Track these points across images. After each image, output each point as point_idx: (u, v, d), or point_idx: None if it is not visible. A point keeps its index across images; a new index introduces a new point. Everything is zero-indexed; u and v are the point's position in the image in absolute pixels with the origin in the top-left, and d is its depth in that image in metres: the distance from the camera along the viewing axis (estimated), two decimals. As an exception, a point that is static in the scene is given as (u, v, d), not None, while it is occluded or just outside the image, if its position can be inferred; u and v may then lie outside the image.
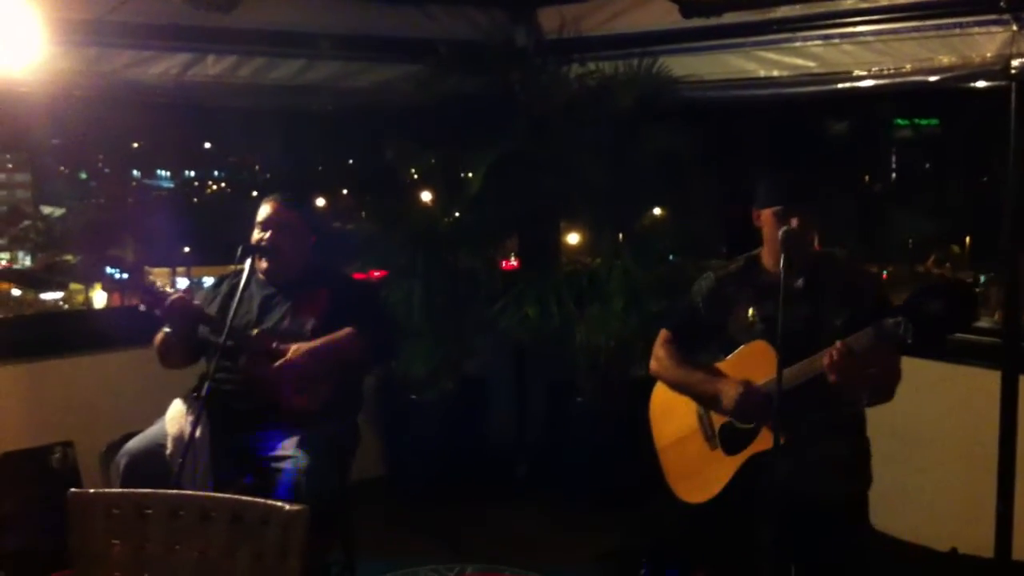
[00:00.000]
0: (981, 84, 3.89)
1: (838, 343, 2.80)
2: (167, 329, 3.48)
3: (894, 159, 5.98)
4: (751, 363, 3.10)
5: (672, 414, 3.36)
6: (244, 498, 2.12)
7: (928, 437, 4.22)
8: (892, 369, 2.97)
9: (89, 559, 2.13)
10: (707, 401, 3.21)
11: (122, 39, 4.32)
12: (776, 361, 2.82)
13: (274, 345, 3.42)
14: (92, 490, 2.21)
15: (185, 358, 3.60)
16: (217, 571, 2.08)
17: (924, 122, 5.72)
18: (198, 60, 4.54)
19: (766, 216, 3.14)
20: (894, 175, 6.08)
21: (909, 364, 2.98)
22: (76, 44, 4.19)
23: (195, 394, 3.33)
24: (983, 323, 4.19)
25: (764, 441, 3.04)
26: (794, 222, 3.04)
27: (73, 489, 2.17)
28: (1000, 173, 4.25)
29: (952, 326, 2.75)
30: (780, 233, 3.00)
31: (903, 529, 4.19)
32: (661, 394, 3.42)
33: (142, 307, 3.49)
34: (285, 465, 3.27)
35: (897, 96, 4.54)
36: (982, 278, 5.17)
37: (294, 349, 3.40)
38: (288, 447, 3.32)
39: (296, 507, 2.04)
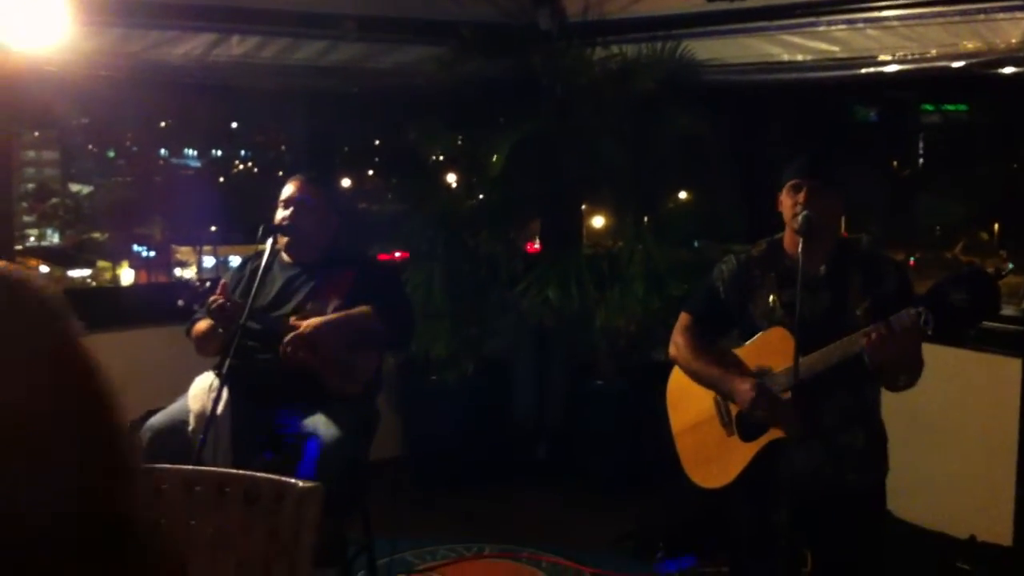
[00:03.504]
0: (1007, 70, 3.85)
1: (880, 323, 2.78)
2: (219, 328, 3.43)
3: (921, 144, 5.92)
4: (770, 350, 3.08)
5: (689, 399, 3.35)
6: (259, 474, 2.13)
7: (947, 424, 4.20)
8: (914, 357, 2.96)
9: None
10: (724, 396, 3.22)
11: (147, 19, 4.35)
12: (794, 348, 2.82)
13: (290, 320, 3.45)
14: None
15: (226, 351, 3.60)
16: (232, 546, 2.11)
17: (951, 107, 5.66)
18: (223, 40, 4.56)
19: (784, 195, 3.13)
20: (921, 161, 6.03)
21: (929, 351, 2.95)
22: (102, 24, 4.22)
23: (217, 371, 3.37)
24: (1006, 310, 4.16)
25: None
26: (801, 196, 3.02)
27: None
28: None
29: (974, 319, 2.73)
30: (800, 218, 2.98)
31: (922, 516, 4.18)
32: (678, 378, 3.41)
33: (180, 303, 3.52)
34: (308, 441, 3.30)
35: (922, 81, 4.50)
36: (1010, 265, 5.12)
37: (307, 324, 3.42)
38: (311, 423, 3.36)
39: (310, 484, 2.06)
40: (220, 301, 3.35)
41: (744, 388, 3.05)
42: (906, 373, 2.98)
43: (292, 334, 3.38)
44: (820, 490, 2.93)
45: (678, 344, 3.35)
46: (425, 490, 5.08)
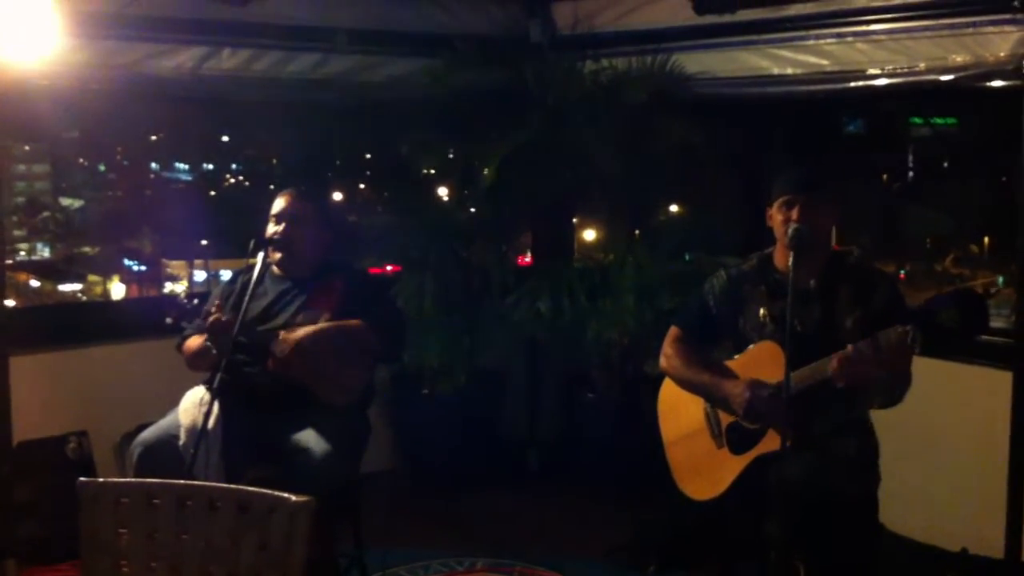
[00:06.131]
0: (995, 83, 3.86)
1: (849, 347, 2.79)
2: (213, 349, 3.40)
3: (911, 158, 5.95)
4: (760, 363, 3.10)
5: (680, 410, 3.36)
6: (251, 489, 2.13)
7: (939, 437, 4.20)
8: (902, 374, 2.96)
9: (97, 547, 2.15)
10: (717, 402, 3.22)
11: (138, 32, 4.35)
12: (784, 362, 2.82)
13: (280, 334, 3.43)
14: (101, 479, 2.23)
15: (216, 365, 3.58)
16: (224, 560, 2.10)
17: (941, 121, 5.69)
18: (214, 53, 4.56)
19: (775, 211, 3.14)
20: (911, 174, 6.05)
21: (920, 364, 2.95)
22: (93, 37, 4.22)
23: (208, 385, 3.36)
24: (997, 323, 4.16)
25: (771, 442, 3.03)
26: (794, 213, 3.04)
27: (82, 478, 2.19)
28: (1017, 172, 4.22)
29: (962, 337, 2.75)
30: (789, 231, 3.00)
31: (914, 528, 4.18)
32: (669, 390, 3.43)
33: (169, 320, 3.51)
34: (300, 455, 3.30)
35: (911, 95, 4.52)
36: (1000, 279, 5.14)
37: (296, 334, 3.40)
38: (302, 438, 3.35)
39: (302, 498, 2.06)
40: (217, 316, 3.34)
41: (737, 389, 3.07)
42: (882, 395, 2.99)
43: (280, 339, 3.36)
44: (812, 499, 2.93)
45: (668, 356, 3.37)
46: (418, 501, 5.06)
